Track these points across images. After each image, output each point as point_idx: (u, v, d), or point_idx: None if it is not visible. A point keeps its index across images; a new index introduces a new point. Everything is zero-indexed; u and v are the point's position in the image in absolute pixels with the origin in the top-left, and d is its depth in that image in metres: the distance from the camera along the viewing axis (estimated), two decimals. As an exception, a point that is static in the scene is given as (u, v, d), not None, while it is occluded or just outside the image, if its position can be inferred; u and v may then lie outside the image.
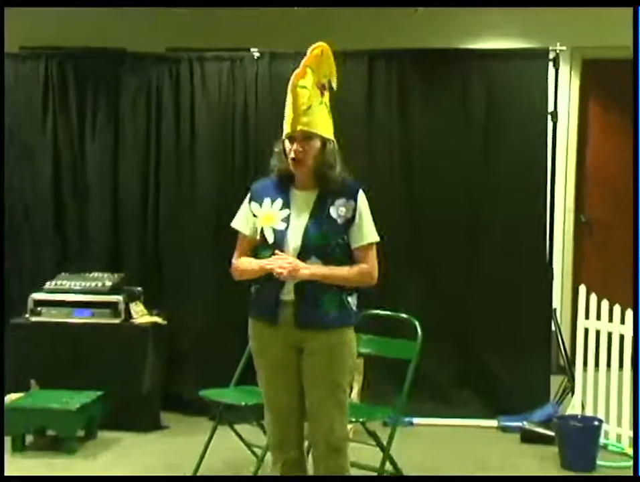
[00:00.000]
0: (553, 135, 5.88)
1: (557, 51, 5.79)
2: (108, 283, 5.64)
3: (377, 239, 3.61)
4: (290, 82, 3.51)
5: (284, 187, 3.60)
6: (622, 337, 5.20)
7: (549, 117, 5.85)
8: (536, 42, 6.46)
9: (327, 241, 3.50)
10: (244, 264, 3.68)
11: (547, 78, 5.81)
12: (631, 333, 5.11)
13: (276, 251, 3.50)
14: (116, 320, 5.53)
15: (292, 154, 3.51)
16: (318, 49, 3.54)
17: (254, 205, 3.63)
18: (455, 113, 5.90)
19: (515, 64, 5.86)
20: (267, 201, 3.60)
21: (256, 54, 5.90)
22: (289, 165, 3.54)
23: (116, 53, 6.16)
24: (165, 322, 5.71)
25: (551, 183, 5.90)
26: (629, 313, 5.12)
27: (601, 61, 7.09)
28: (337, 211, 3.52)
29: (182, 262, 5.97)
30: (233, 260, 3.74)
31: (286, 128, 3.54)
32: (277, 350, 3.59)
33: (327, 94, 3.58)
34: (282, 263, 3.45)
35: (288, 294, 3.53)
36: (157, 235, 6.02)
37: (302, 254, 3.50)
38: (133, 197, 6.03)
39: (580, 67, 7.19)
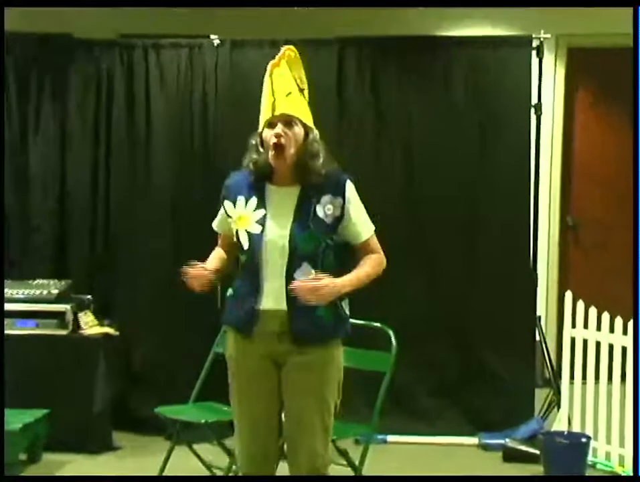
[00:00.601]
0: (537, 129, 5.89)
1: (541, 39, 5.80)
2: (54, 291, 5.59)
3: (372, 231, 3.58)
4: (268, 69, 3.50)
5: (258, 183, 3.52)
6: (611, 347, 5.21)
7: (532, 110, 5.86)
8: (518, 29, 6.50)
9: (317, 243, 3.43)
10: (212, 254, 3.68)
11: (530, 68, 5.81)
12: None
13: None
14: (64, 332, 5.49)
15: (273, 139, 3.42)
16: (292, 52, 3.55)
17: (228, 204, 3.56)
18: (431, 106, 5.90)
19: (495, 53, 5.86)
20: (241, 200, 3.52)
21: (216, 41, 5.88)
22: (267, 157, 3.45)
23: (62, 40, 6.09)
24: (117, 333, 5.67)
25: (535, 181, 5.90)
26: (619, 321, 5.14)
27: (588, 50, 7.13)
28: (324, 209, 3.44)
29: (136, 266, 5.93)
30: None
31: (266, 114, 3.47)
32: (253, 360, 3.51)
33: (304, 91, 3.56)
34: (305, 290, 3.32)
35: (271, 303, 3.43)
36: (107, 237, 5.99)
37: (292, 262, 3.40)
38: (81, 194, 5.99)
39: (566, 57, 7.23)
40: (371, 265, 3.53)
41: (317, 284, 3.32)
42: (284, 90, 3.47)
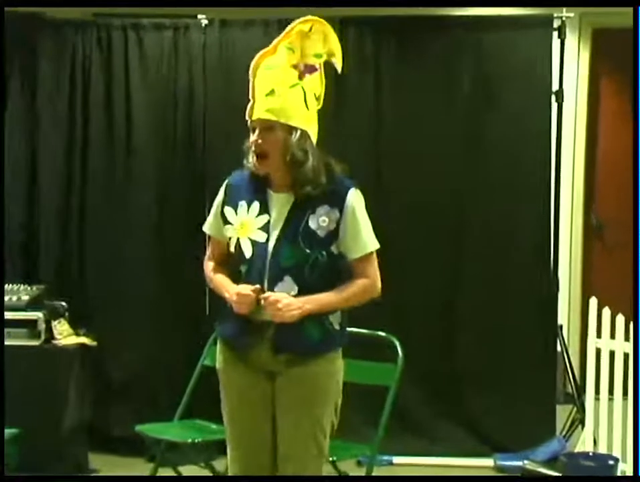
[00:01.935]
0: (558, 119, 5.94)
1: (563, 18, 5.83)
2: (25, 297, 5.61)
3: (377, 246, 3.57)
4: (253, 62, 3.50)
5: (260, 187, 3.55)
6: None
7: (553, 98, 5.90)
8: (538, 8, 6.51)
9: (303, 259, 3.45)
10: (216, 282, 3.68)
11: (550, 51, 5.85)
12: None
13: (257, 286, 3.45)
14: (35, 342, 5.50)
15: (252, 148, 3.47)
16: (306, 24, 3.52)
17: (228, 210, 3.58)
18: (440, 94, 5.95)
19: (512, 34, 5.90)
20: (242, 205, 3.55)
21: (204, 21, 5.90)
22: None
23: (32, 19, 6.11)
24: (95, 343, 5.69)
25: (556, 177, 5.95)
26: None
27: (615, 31, 7.15)
28: (318, 221, 3.46)
29: (115, 269, 5.97)
30: (206, 259, 3.75)
31: (247, 117, 3.51)
32: (246, 374, 3.57)
33: (312, 77, 3.52)
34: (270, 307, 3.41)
35: (264, 315, 3.48)
36: (83, 237, 6.00)
37: (272, 276, 3.46)
38: (53, 190, 6.02)
39: (590, 38, 7.27)
40: (354, 290, 3.54)
41: (275, 301, 3.39)
42: (266, 87, 3.45)
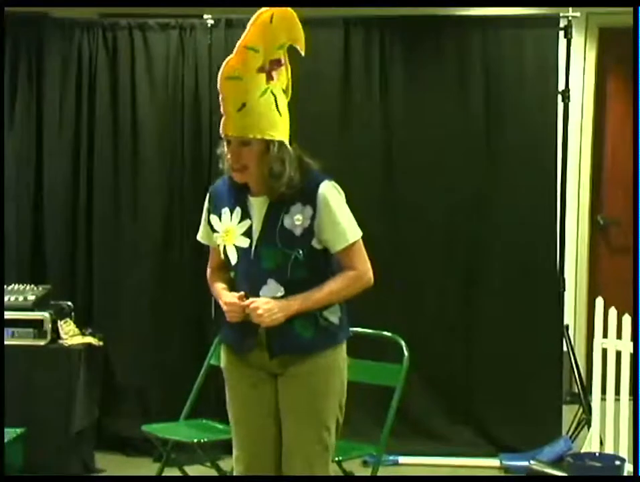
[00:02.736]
0: (564, 119, 5.93)
1: (570, 18, 5.84)
2: (31, 297, 5.61)
3: (360, 234, 3.53)
4: (219, 73, 3.39)
5: (239, 192, 3.55)
6: (647, 359, 5.24)
7: (559, 97, 5.91)
8: (544, 7, 6.51)
9: (283, 259, 3.45)
10: (214, 290, 3.70)
11: (557, 51, 5.86)
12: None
13: (241, 294, 3.47)
14: (42, 342, 5.51)
15: (229, 161, 3.46)
16: (266, 14, 3.42)
17: (213, 218, 3.60)
18: (447, 93, 5.96)
19: (519, 34, 5.91)
20: (226, 212, 3.56)
21: (210, 21, 5.91)
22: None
23: (38, 19, 6.12)
24: (101, 343, 5.71)
25: (562, 176, 5.96)
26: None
27: (621, 30, 7.13)
28: (292, 220, 3.45)
29: (120, 271, 5.98)
30: (208, 269, 3.76)
31: (220, 129, 3.46)
32: (249, 374, 3.59)
33: (279, 72, 3.45)
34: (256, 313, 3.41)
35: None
36: (89, 237, 6.00)
37: (256, 280, 3.48)
38: (59, 193, 6.02)
39: (597, 37, 7.27)
40: (341, 283, 3.51)
41: (255, 308, 3.39)
42: (237, 101, 3.36)
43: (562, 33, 5.87)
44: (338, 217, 3.48)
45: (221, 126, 3.42)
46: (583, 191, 7.30)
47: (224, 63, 3.37)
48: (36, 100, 6.03)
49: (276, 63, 3.44)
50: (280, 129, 3.44)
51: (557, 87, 5.89)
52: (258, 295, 3.45)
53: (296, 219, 3.45)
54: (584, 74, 7.21)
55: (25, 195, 6.03)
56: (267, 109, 3.40)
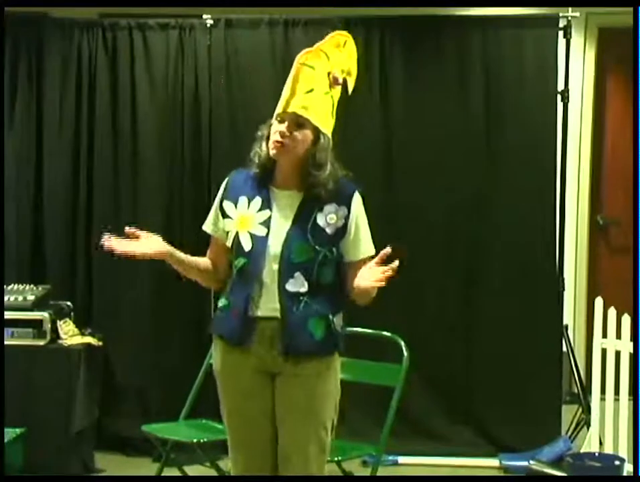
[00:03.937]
0: (564, 119, 5.94)
1: (569, 18, 5.85)
2: (31, 297, 5.62)
3: (373, 252, 3.56)
4: (297, 58, 3.53)
5: (262, 184, 3.58)
6: (646, 359, 5.25)
7: (559, 97, 5.92)
8: (544, 7, 6.51)
9: (312, 254, 3.48)
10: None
11: (556, 51, 5.87)
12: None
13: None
14: (41, 342, 5.51)
15: (276, 136, 3.48)
16: (341, 38, 3.59)
17: (228, 204, 3.61)
18: (447, 93, 5.97)
19: (518, 34, 5.92)
20: (243, 200, 3.57)
21: (209, 22, 5.92)
22: (269, 152, 3.52)
23: (38, 19, 6.13)
24: (100, 343, 5.71)
25: (562, 176, 5.96)
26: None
27: (621, 30, 7.14)
28: (326, 218, 3.50)
29: (120, 270, 5.94)
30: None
31: (279, 107, 3.52)
32: (245, 374, 3.58)
33: (337, 89, 3.57)
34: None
35: (266, 310, 3.50)
36: (89, 237, 5.98)
37: (284, 271, 3.48)
38: (59, 193, 6.03)
39: (596, 37, 7.27)
40: None
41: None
42: (307, 85, 3.49)
43: (561, 33, 5.88)
44: (363, 229, 3.59)
45: (280, 104, 3.51)
46: (583, 191, 7.31)
47: (302, 52, 3.52)
48: (36, 100, 6.04)
49: (337, 80, 3.57)
50: (330, 130, 3.56)
51: (556, 87, 5.89)
52: (280, 288, 3.47)
53: (330, 218, 3.51)
54: (583, 74, 7.21)
55: (25, 195, 6.04)
56: (327, 107, 3.54)
